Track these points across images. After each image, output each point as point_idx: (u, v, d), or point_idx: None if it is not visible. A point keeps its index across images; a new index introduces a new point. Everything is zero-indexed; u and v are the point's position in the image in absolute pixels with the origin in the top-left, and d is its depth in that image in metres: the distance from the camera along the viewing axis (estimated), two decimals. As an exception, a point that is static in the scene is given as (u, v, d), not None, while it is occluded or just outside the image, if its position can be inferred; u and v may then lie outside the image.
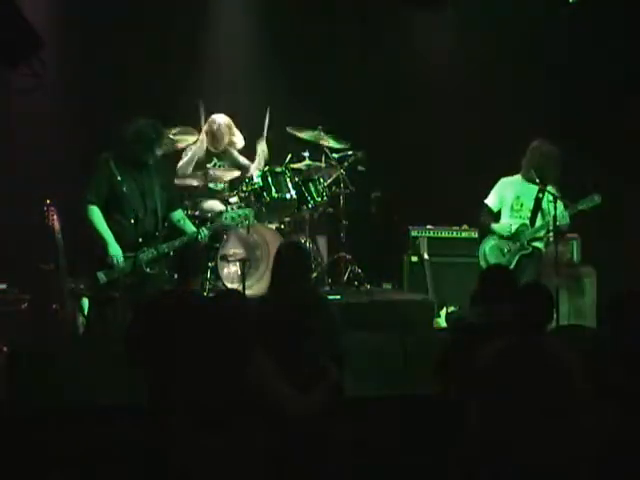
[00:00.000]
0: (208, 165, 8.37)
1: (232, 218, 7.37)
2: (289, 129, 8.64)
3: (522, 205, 7.88)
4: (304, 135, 8.65)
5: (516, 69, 9.46)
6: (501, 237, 7.85)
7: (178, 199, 7.38)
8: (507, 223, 7.86)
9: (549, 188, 7.73)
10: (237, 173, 8.40)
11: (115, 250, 6.79)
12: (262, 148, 8.55)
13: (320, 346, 4.95)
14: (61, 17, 8.61)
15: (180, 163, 8.46)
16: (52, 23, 8.44)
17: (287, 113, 9.14)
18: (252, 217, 7.46)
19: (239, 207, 7.90)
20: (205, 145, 8.47)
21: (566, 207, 7.69)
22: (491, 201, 7.98)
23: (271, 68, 9.49)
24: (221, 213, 7.55)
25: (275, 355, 4.49)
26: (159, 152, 7.07)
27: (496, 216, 7.97)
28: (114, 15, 8.91)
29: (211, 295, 7.22)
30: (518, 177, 7.93)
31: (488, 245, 7.93)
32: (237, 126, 8.55)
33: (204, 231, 7.07)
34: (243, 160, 8.55)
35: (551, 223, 7.66)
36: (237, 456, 4.25)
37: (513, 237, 7.80)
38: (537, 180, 7.72)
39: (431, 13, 9.81)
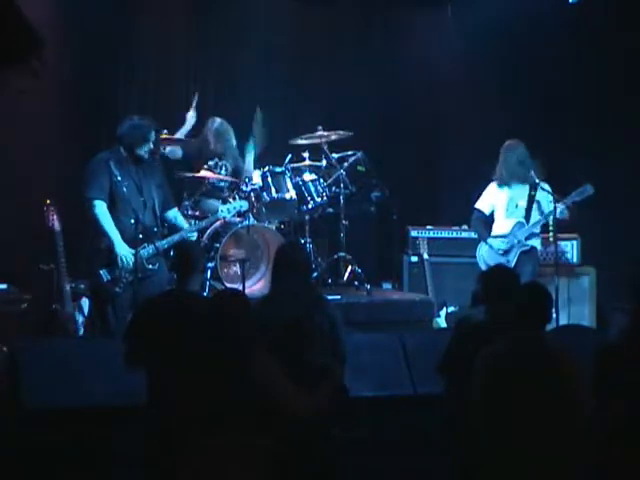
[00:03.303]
0: (210, 162, 8.39)
1: (228, 210, 7.46)
2: (291, 142, 8.64)
3: (517, 206, 7.86)
4: (305, 141, 8.65)
5: (516, 69, 9.46)
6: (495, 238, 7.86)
7: (172, 198, 7.40)
8: (499, 240, 7.84)
9: (541, 183, 7.74)
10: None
11: (123, 249, 6.79)
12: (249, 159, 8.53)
13: (321, 346, 4.95)
14: (61, 16, 8.60)
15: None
16: (52, 22, 8.44)
17: (286, 113, 9.16)
18: (246, 207, 7.76)
19: (234, 199, 8.04)
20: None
21: (559, 200, 7.69)
22: (482, 205, 7.97)
23: (270, 69, 9.49)
24: (218, 210, 7.61)
25: (276, 355, 4.49)
26: (154, 151, 7.13)
27: (488, 219, 7.96)
28: (114, 15, 8.91)
29: (211, 295, 7.22)
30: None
31: (484, 248, 7.93)
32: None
33: (196, 225, 7.26)
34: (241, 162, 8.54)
35: (550, 219, 7.68)
36: (238, 457, 4.25)
37: (509, 235, 7.80)
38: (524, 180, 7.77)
39: (431, 14, 9.85)
